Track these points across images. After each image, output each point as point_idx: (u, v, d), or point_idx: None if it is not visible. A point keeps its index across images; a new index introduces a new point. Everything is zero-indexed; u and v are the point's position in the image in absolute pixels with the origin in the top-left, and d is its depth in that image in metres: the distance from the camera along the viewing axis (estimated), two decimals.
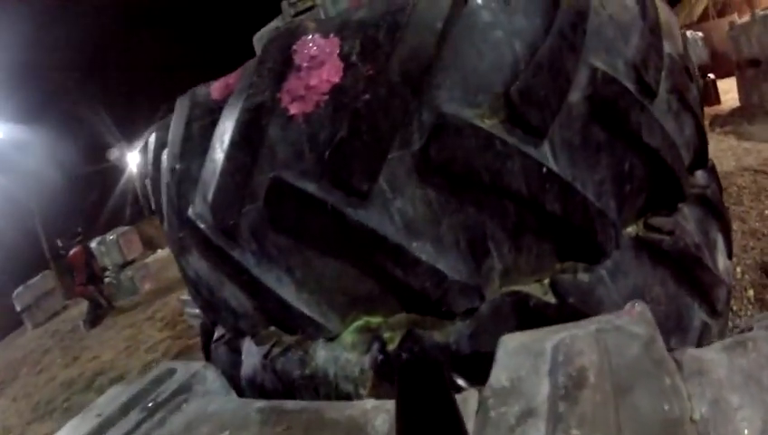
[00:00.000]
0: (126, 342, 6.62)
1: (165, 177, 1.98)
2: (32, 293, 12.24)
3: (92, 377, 5.60)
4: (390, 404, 1.16)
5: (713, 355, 0.94)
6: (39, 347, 9.00)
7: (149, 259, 13.18)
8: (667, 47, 1.86)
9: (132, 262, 10.97)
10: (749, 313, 2.88)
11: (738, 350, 0.93)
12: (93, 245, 10.59)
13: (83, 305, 9.58)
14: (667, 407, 0.81)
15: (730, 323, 2.71)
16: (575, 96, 1.48)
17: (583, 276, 1.55)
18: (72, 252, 9.51)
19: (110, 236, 10.84)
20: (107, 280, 10.18)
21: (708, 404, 0.83)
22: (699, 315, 1.81)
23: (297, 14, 1.93)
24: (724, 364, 0.90)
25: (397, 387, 0.65)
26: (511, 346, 1.10)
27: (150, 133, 2.29)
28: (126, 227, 11.39)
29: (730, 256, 2.20)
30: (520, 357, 1.06)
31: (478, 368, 1.40)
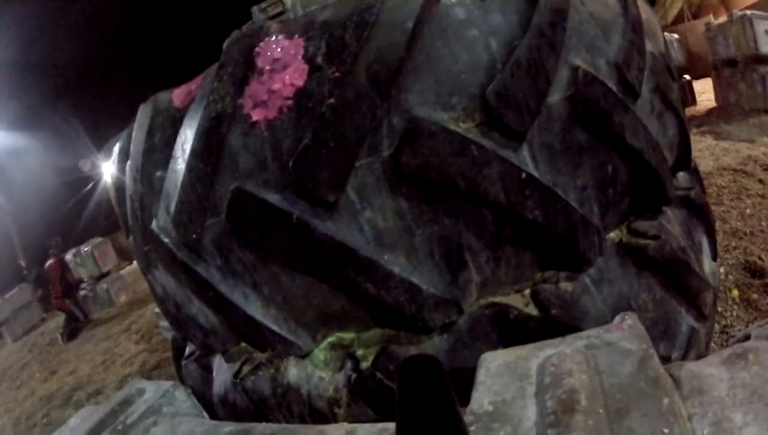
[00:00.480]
0: (103, 355, 6.55)
1: (128, 189, 1.90)
2: (9, 306, 12.06)
3: (70, 392, 5.52)
4: (365, 429, 1.09)
5: (712, 370, 0.89)
6: (18, 361, 8.88)
7: (125, 271, 13.09)
8: (649, 46, 1.81)
9: (107, 274, 10.80)
10: (734, 313, 2.87)
11: (739, 363, 0.87)
12: (68, 257, 10.44)
13: (61, 318, 9.51)
14: (666, 430, 0.75)
15: (716, 326, 2.70)
16: (555, 97, 1.41)
17: (566, 286, 1.48)
18: (47, 264, 9.41)
19: (85, 248, 10.66)
20: (82, 292, 10.02)
21: (710, 425, 0.77)
22: (687, 320, 1.76)
23: (268, 20, 1.85)
24: (725, 379, 0.85)
25: (396, 387, 0.63)
26: (493, 366, 1.03)
27: (115, 143, 2.20)
28: (100, 239, 11.20)
29: (715, 257, 2.17)
30: (503, 378, 0.99)
31: (457, 386, 1.34)
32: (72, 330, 8.84)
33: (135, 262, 14.33)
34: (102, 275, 10.66)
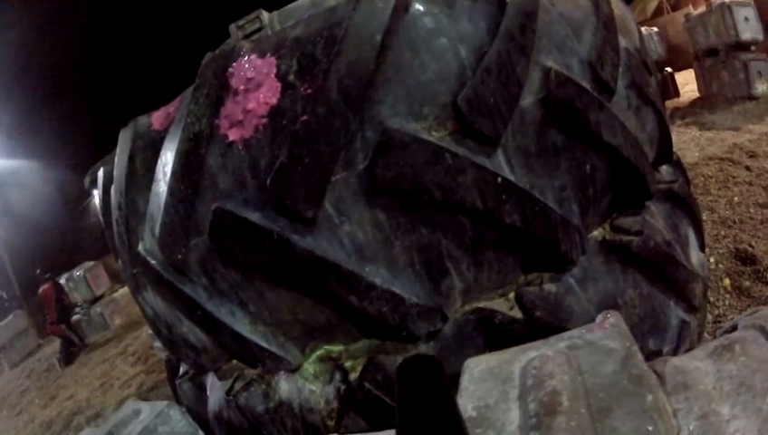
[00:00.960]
0: (100, 378, 6.52)
1: (114, 213, 1.89)
2: (5, 333, 12.02)
3: (70, 416, 5.49)
4: None
5: (697, 363, 0.88)
6: (16, 388, 8.86)
7: (118, 294, 13.00)
8: (623, 42, 1.82)
9: (101, 297, 10.74)
10: (727, 302, 2.88)
11: (725, 355, 0.87)
12: (61, 281, 10.36)
13: (57, 343, 9.48)
14: (650, 427, 0.74)
15: (709, 316, 2.71)
16: (528, 100, 1.41)
17: (550, 287, 1.49)
18: (41, 290, 9.34)
19: (77, 272, 10.60)
20: (76, 317, 9.97)
21: (697, 419, 0.77)
22: (676, 313, 1.77)
23: (246, 37, 1.85)
24: (712, 372, 0.85)
25: (396, 387, 0.63)
26: (476, 371, 1.03)
27: (99, 167, 2.20)
28: (92, 262, 11.14)
29: (702, 248, 2.17)
30: (486, 383, 0.99)
31: None
32: (69, 355, 8.80)
33: None
34: (96, 299, 10.59)
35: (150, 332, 5.04)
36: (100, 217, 2.30)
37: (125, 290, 13.75)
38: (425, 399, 0.60)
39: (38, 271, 9.71)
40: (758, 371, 0.81)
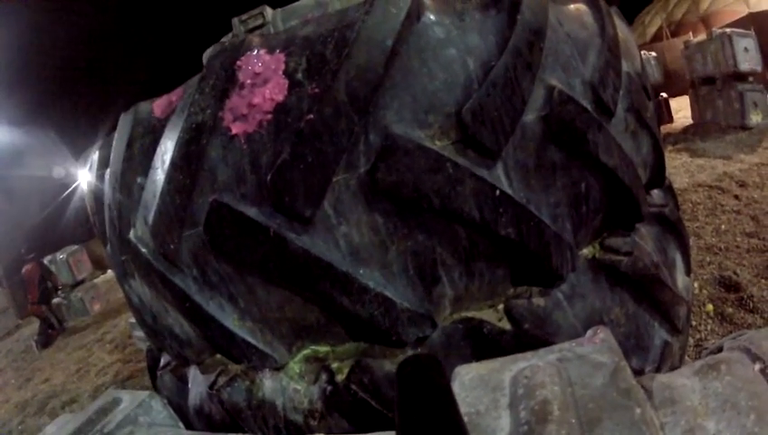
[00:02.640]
0: (77, 364, 6.47)
1: (107, 197, 1.88)
2: None
3: (45, 400, 5.46)
4: None
5: (684, 380, 0.90)
6: None
7: (99, 280, 12.96)
8: (626, 66, 1.85)
9: (82, 282, 10.63)
10: (709, 327, 2.92)
11: (711, 373, 0.88)
12: (46, 263, 10.25)
13: (35, 325, 9.42)
14: None
15: (691, 340, 2.74)
16: (530, 116, 1.43)
17: (539, 301, 1.51)
18: (24, 269, 9.24)
19: (60, 256, 10.45)
20: (56, 300, 9.86)
21: (683, 433, 0.78)
22: (660, 334, 1.79)
23: (248, 32, 1.86)
24: (698, 389, 0.86)
25: (396, 386, 0.63)
26: (466, 379, 1.04)
27: (94, 150, 2.19)
28: (75, 247, 11.00)
29: (688, 272, 2.21)
30: (477, 391, 0.99)
31: None
32: (47, 337, 8.72)
33: (109, 271, 14.25)
34: (77, 284, 10.48)
35: (131, 320, 5.03)
36: (88, 202, 2.28)
37: (106, 277, 13.69)
38: (425, 399, 0.59)
39: (23, 250, 9.60)
40: (743, 389, 0.82)
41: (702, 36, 9.42)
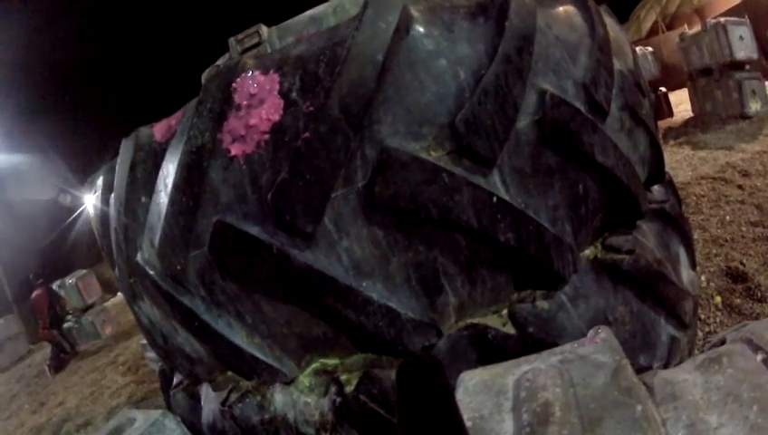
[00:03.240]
0: (90, 387, 6.48)
1: (112, 221, 1.91)
2: None
3: (59, 423, 5.46)
4: None
5: (686, 376, 0.91)
6: (6, 392, 8.83)
7: (109, 303, 13.05)
8: (618, 64, 1.86)
9: (92, 306, 10.69)
10: (718, 319, 2.90)
11: (713, 367, 0.89)
12: (53, 287, 10.31)
13: (47, 350, 9.48)
14: None
15: (699, 333, 2.73)
16: (523, 121, 1.45)
17: (542, 304, 1.52)
18: (33, 295, 9.29)
19: (69, 280, 10.54)
20: (67, 325, 9.92)
21: (685, 427, 0.79)
22: (667, 330, 1.79)
23: (244, 51, 1.88)
24: (699, 384, 0.87)
25: (396, 387, 0.64)
26: (470, 385, 1.05)
27: (98, 176, 2.22)
28: (84, 271, 11.07)
29: (693, 266, 2.21)
30: (480, 396, 1.01)
31: None
32: (59, 362, 8.76)
33: (119, 294, 14.28)
34: (87, 308, 10.54)
35: (142, 342, 5.06)
36: (95, 226, 2.31)
37: (116, 299, 13.76)
38: (426, 400, 0.61)
39: (31, 276, 9.65)
40: (745, 381, 0.83)
41: (697, 28, 9.41)
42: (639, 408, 0.81)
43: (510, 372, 1.04)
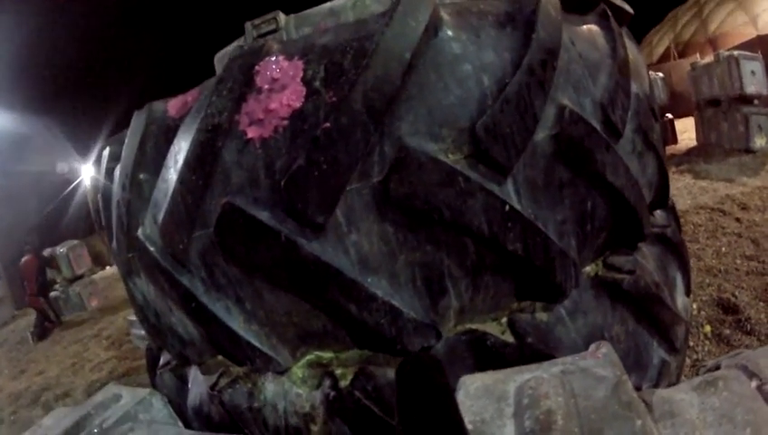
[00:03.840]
0: (72, 358, 6.47)
1: (116, 194, 1.90)
2: None
3: (39, 392, 5.46)
4: None
5: (683, 395, 0.93)
6: None
7: (97, 276, 13.01)
8: (635, 87, 1.87)
9: (81, 277, 10.62)
10: (706, 348, 2.93)
11: (709, 389, 0.92)
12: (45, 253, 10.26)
13: (32, 317, 9.45)
14: None
15: (688, 360, 2.75)
16: (541, 134, 1.45)
17: (542, 316, 1.53)
18: (23, 260, 9.24)
19: (61, 250, 10.47)
20: (54, 294, 9.88)
21: None
22: (658, 353, 1.81)
23: (260, 36, 1.88)
24: (696, 404, 0.90)
25: (396, 386, 0.64)
26: (472, 389, 1.06)
27: (105, 146, 2.21)
28: (75, 241, 11.01)
29: (688, 293, 2.23)
30: (482, 400, 1.02)
31: None
32: (43, 330, 8.75)
33: (108, 268, 14.22)
34: (75, 278, 10.48)
35: (129, 318, 5.04)
36: (92, 197, 2.30)
37: (105, 273, 13.72)
38: (425, 399, 0.61)
39: (27, 237, 9.60)
40: (739, 404, 0.85)
41: (709, 58, 9.45)
42: (639, 422, 0.82)
43: (511, 379, 1.05)
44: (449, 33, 1.42)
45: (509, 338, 1.49)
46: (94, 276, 12.06)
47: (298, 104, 1.39)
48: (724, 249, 4.22)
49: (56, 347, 7.62)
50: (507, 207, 1.37)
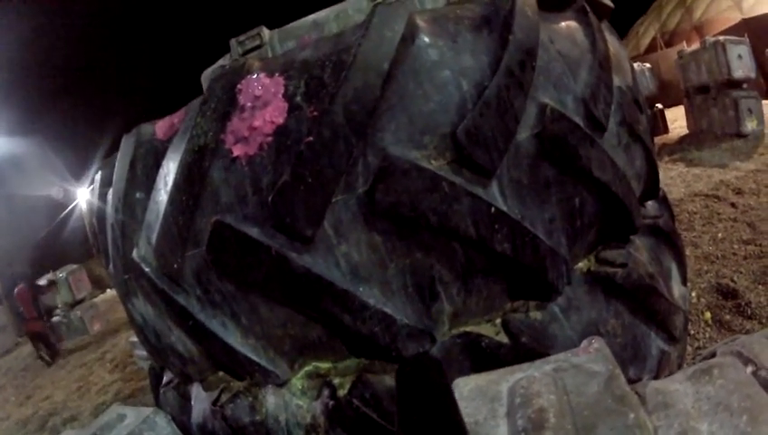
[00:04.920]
0: (77, 382, 6.46)
1: (109, 217, 1.91)
2: None
3: (46, 417, 5.45)
4: None
5: (677, 386, 0.93)
6: None
7: (98, 299, 12.98)
8: (617, 80, 1.88)
9: (81, 301, 10.61)
10: (707, 335, 2.93)
11: (704, 378, 0.91)
12: (43, 282, 10.22)
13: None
14: None
15: (689, 348, 2.76)
16: (523, 134, 1.47)
17: (535, 314, 1.54)
18: (16, 290, 9.18)
19: (60, 275, 10.47)
20: (55, 319, 9.86)
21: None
22: (657, 344, 1.81)
23: (245, 53, 1.89)
24: (690, 393, 0.89)
25: (396, 387, 0.64)
26: (465, 391, 1.07)
27: (97, 170, 2.22)
28: (75, 266, 11.00)
29: (685, 282, 2.23)
30: (476, 401, 1.02)
31: None
32: (53, 351, 8.69)
33: (108, 291, 14.17)
34: (76, 303, 10.47)
35: (132, 340, 5.04)
36: (88, 221, 2.32)
37: (105, 296, 13.70)
38: (425, 399, 0.62)
39: (11, 273, 9.56)
40: (735, 392, 0.85)
41: (696, 45, 9.48)
42: (632, 415, 0.83)
43: (504, 380, 1.05)
44: (426, 40, 1.43)
45: (504, 339, 1.50)
46: (95, 300, 12.06)
47: (281, 120, 1.40)
48: (720, 235, 4.22)
49: (61, 372, 7.60)
50: (493, 209, 1.38)
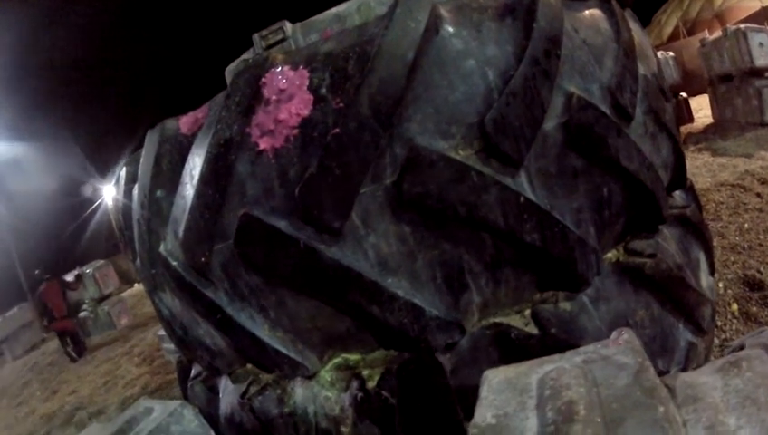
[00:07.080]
0: (104, 377, 6.54)
1: (135, 213, 1.93)
2: (9, 325, 12.12)
3: (72, 411, 5.52)
4: None
5: (706, 378, 0.92)
6: (18, 379, 8.97)
7: (125, 294, 13.20)
8: (642, 68, 1.86)
9: (109, 296, 10.80)
10: (734, 327, 2.88)
11: (732, 371, 0.91)
12: (70, 278, 10.35)
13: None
14: None
15: (716, 340, 2.72)
16: (550, 123, 1.45)
17: (565, 305, 1.52)
18: (41, 288, 9.06)
19: (87, 270, 10.67)
20: (83, 314, 10.00)
21: (705, 429, 0.80)
22: (685, 335, 1.79)
23: (268, 47, 1.90)
24: (719, 386, 0.88)
25: (397, 387, 0.64)
26: (495, 382, 1.07)
27: (122, 167, 2.25)
28: (102, 261, 11.20)
29: (712, 273, 2.20)
30: (505, 393, 1.02)
31: (462, 403, 1.38)
32: (80, 347, 8.78)
33: (135, 285, 14.39)
34: (103, 298, 10.65)
35: (159, 333, 5.09)
36: (114, 217, 2.35)
37: (132, 291, 13.90)
38: (425, 400, 0.62)
39: (37, 271, 9.58)
40: (763, 385, 0.84)
41: (717, 33, 9.29)
42: (661, 409, 0.82)
43: (534, 371, 1.05)
44: (450, 29, 1.42)
45: (533, 330, 1.49)
46: (123, 294, 12.26)
47: (306, 112, 1.40)
48: (747, 225, 4.15)
49: (87, 367, 7.71)
50: (522, 199, 1.37)
